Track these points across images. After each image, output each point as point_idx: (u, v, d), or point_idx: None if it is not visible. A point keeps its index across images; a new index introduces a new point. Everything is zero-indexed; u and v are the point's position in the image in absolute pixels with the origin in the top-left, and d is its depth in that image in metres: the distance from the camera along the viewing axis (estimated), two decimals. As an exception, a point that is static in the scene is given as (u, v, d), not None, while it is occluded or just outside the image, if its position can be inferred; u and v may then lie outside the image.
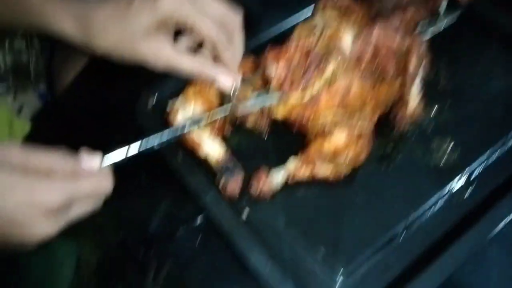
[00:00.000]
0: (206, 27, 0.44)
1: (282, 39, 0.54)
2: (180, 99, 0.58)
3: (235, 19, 0.46)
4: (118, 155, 0.44)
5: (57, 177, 0.38)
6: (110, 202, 0.54)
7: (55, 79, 0.84)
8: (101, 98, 0.67)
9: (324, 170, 0.52)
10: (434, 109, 0.60)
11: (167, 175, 0.56)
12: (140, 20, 0.43)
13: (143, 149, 0.46)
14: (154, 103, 0.61)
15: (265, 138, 0.59)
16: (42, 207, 0.36)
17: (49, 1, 0.46)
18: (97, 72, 0.70)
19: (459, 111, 0.60)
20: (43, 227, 0.37)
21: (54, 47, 0.89)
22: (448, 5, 0.62)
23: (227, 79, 0.47)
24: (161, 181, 0.58)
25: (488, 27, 0.68)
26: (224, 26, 0.45)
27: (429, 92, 0.58)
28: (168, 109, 0.58)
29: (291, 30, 0.66)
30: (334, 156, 0.51)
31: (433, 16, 0.60)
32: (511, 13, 0.67)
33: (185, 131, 0.50)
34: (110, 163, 0.43)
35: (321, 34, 0.51)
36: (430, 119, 0.59)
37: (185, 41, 0.48)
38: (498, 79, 0.63)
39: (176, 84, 0.62)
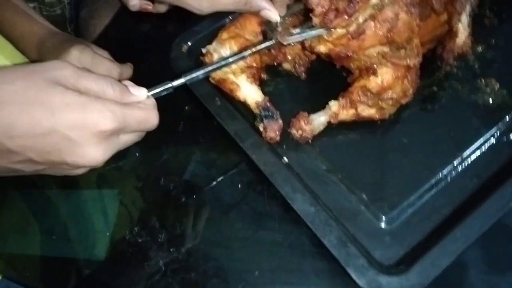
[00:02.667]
0: None
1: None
2: (214, 43, 0.56)
3: None
4: (161, 89, 0.43)
5: (108, 100, 0.37)
6: (152, 149, 0.54)
7: (83, 30, 0.83)
8: (134, 43, 0.66)
9: (369, 110, 0.50)
10: (481, 46, 0.57)
11: (205, 121, 0.55)
12: None
13: (188, 80, 0.45)
14: (188, 47, 0.60)
15: (304, 80, 0.57)
16: (95, 129, 0.36)
17: None
18: (129, 19, 0.68)
19: (506, 49, 0.57)
20: (94, 150, 0.36)
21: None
22: None
23: (275, 11, 0.45)
24: (200, 127, 0.57)
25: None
26: None
27: (476, 28, 0.55)
28: (203, 54, 0.56)
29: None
30: (380, 93, 0.49)
31: None
32: None
33: (228, 64, 0.49)
34: (155, 95, 0.42)
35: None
36: (477, 55, 0.56)
37: None
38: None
39: (210, 28, 0.61)
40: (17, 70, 0.36)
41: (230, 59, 0.48)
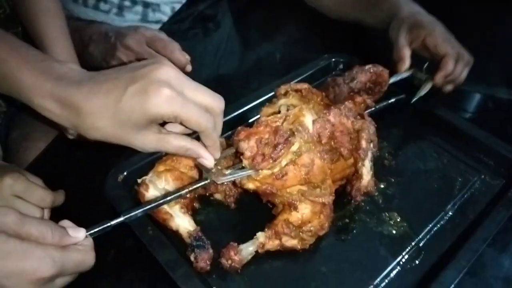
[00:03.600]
0: (195, 120, 0.46)
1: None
2: (150, 174, 0.60)
3: (219, 105, 0.49)
4: (100, 228, 0.45)
5: (48, 246, 0.38)
6: (80, 280, 0.53)
7: (13, 153, 0.83)
8: (69, 170, 0.67)
9: (291, 240, 0.55)
10: (383, 183, 0.67)
11: (136, 249, 0.56)
12: (130, 118, 0.44)
13: (126, 219, 0.48)
14: (124, 176, 0.63)
15: (233, 210, 0.62)
16: (34, 276, 0.36)
17: (26, 73, 0.45)
18: (65, 145, 0.71)
19: (403, 186, 0.67)
20: None
21: (11, 122, 0.89)
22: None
23: (211, 159, 0.50)
24: (131, 256, 0.58)
25: (423, 115, 0.78)
26: (209, 112, 0.48)
27: (377, 168, 0.65)
28: (138, 184, 0.60)
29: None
30: (300, 226, 0.55)
31: (379, 100, 0.69)
32: (445, 106, 0.77)
33: (166, 202, 0.53)
34: (93, 234, 0.44)
35: (286, 114, 0.56)
36: (380, 192, 0.66)
37: (171, 126, 0.50)
38: (432, 158, 0.72)
39: (146, 159, 0.65)
40: None
41: (169, 198, 0.52)
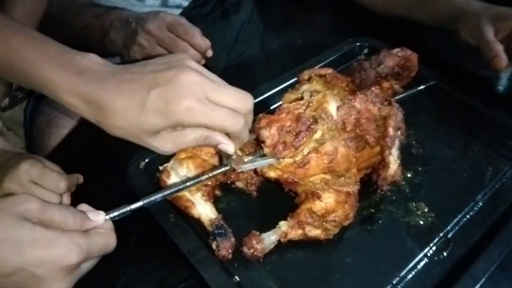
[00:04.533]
0: (219, 125, 0.45)
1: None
2: (172, 161, 0.60)
3: (246, 105, 0.48)
4: (119, 212, 0.45)
5: (72, 233, 0.39)
6: (99, 268, 0.53)
7: (37, 139, 0.84)
8: (92, 157, 0.67)
9: (315, 230, 0.54)
10: (410, 172, 0.64)
11: (158, 237, 0.56)
12: (151, 123, 0.44)
13: (146, 204, 0.48)
14: (145, 164, 0.62)
15: (255, 198, 0.61)
16: (62, 263, 0.37)
17: (48, 69, 0.45)
18: (88, 132, 0.71)
19: (431, 175, 0.65)
20: (58, 285, 0.37)
21: (35, 108, 0.90)
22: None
23: (231, 144, 0.49)
24: (153, 243, 0.58)
25: (449, 100, 0.75)
26: (238, 111, 0.47)
27: (404, 157, 0.63)
28: (160, 171, 0.59)
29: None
30: (324, 216, 0.53)
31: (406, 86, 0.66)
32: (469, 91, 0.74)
33: (186, 188, 0.52)
34: (113, 218, 0.44)
35: (308, 101, 0.55)
36: (407, 181, 0.63)
37: None
38: (460, 144, 0.70)
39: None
40: None
41: (188, 183, 0.51)
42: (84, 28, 0.87)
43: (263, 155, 0.53)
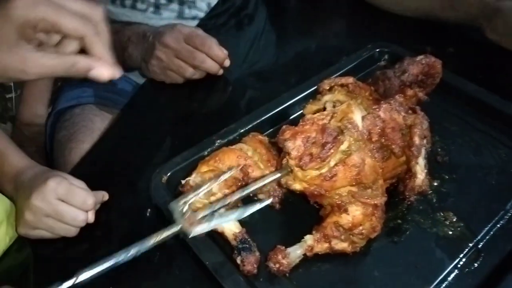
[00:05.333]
0: (70, 22, 0.42)
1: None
2: (194, 175, 0.59)
3: (97, 11, 0.44)
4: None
5: None
6: (125, 281, 0.53)
7: (57, 153, 0.84)
8: (114, 174, 0.67)
9: (341, 244, 0.53)
10: (437, 181, 0.63)
11: (182, 252, 0.56)
12: None
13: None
14: (167, 178, 0.62)
15: (278, 211, 0.60)
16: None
17: None
18: (109, 149, 0.71)
19: (458, 183, 0.63)
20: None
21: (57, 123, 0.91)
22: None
23: (104, 69, 0.44)
24: (177, 258, 0.57)
25: (474, 105, 0.73)
26: (88, 20, 0.43)
27: (430, 165, 0.61)
28: (182, 185, 0.59)
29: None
30: (351, 229, 0.52)
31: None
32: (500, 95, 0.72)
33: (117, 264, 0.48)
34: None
35: (332, 111, 0.54)
36: (434, 190, 0.62)
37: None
38: (488, 150, 0.68)
39: (189, 159, 0.64)
40: None
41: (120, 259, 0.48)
42: None
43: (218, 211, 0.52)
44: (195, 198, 0.52)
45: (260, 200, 0.61)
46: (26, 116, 0.97)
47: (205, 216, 0.51)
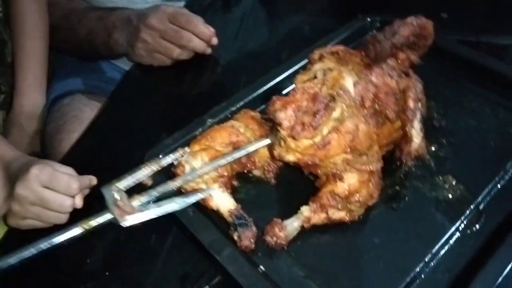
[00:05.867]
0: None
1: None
2: (186, 155, 0.58)
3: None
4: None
5: None
6: (120, 266, 0.52)
7: (48, 145, 0.83)
8: (104, 162, 0.66)
9: (339, 213, 0.52)
10: (434, 145, 0.62)
11: (178, 232, 0.55)
12: None
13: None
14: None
15: (273, 186, 0.59)
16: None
17: None
18: (98, 138, 0.70)
19: (456, 147, 0.62)
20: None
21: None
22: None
23: None
24: (173, 239, 0.57)
25: (469, 67, 0.72)
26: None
27: (427, 130, 0.60)
28: (175, 166, 0.58)
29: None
30: (348, 197, 0.51)
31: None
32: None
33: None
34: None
35: (323, 79, 0.52)
36: (432, 154, 0.61)
37: None
38: (485, 113, 0.66)
39: (180, 140, 0.63)
40: None
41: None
42: (89, 33, 0.86)
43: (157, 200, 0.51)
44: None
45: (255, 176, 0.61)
46: (24, 107, 0.94)
47: (144, 204, 0.50)
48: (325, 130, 0.50)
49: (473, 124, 0.65)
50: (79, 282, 0.54)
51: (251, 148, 0.52)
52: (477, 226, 0.54)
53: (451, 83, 0.71)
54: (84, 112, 0.85)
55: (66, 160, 0.68)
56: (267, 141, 0.51)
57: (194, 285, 0.52)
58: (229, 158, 0.50)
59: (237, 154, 0.50)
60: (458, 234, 0.53)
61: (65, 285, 0.55)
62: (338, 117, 0.50)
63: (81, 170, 0.59)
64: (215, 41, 0.78)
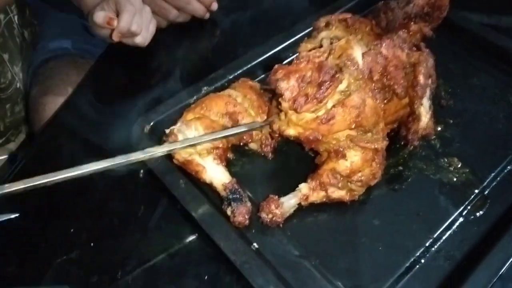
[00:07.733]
0: None
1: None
2: (179, 123, 0.54)
3: None
4: None
5: None
6: (107, 238, 0.50)
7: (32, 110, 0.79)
8: (91, 126, 0.62)
9: (339, 192, 0.49)
10: (440, 126, 0.59)
11: (168, 205, 0.52)
12: None
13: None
14: (150, 128, 0.57)
15: (271, 160, 0.56)
16: None
17: None
18: (84, 101, 0.66)
19: (463, 128, 0.59)
20: None
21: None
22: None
23: None
24: (163, 212, 0.54)
25: (480, 45, 0.68)
26: None
27: (434, 109, 0.57)
28: (167, 135, 0.54)
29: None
30: (349, 176, 0.48)
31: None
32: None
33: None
34: None
35: (330, 48, 0.49)
36: (438, 135, 0.58)
37: None
38: (494, 94, 0.63)
39: (173, 108, 0.59)
40: None
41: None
42: None
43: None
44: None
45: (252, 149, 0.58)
46: None
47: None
48: (329, 104, 0.46)
49: (481, 105, 0.62)
50: (63, 252, 0.51)
51: (247, 129, 0.49)
52: (482, 211, 0.52)
53: (461, 61, 0.67)
54: (70, 76, 0.80)
55: (50, 125, 0.64)
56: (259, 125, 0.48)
57: (184, 260, 0.50)
58: (224, 133, 0.47)
59: (231, 131, 0.47)
60: (461, 219, 0.51)
61: (49, 255, 0.52)
62: (344, 90, 0.46)
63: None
64: (215, 6, 0.74)
